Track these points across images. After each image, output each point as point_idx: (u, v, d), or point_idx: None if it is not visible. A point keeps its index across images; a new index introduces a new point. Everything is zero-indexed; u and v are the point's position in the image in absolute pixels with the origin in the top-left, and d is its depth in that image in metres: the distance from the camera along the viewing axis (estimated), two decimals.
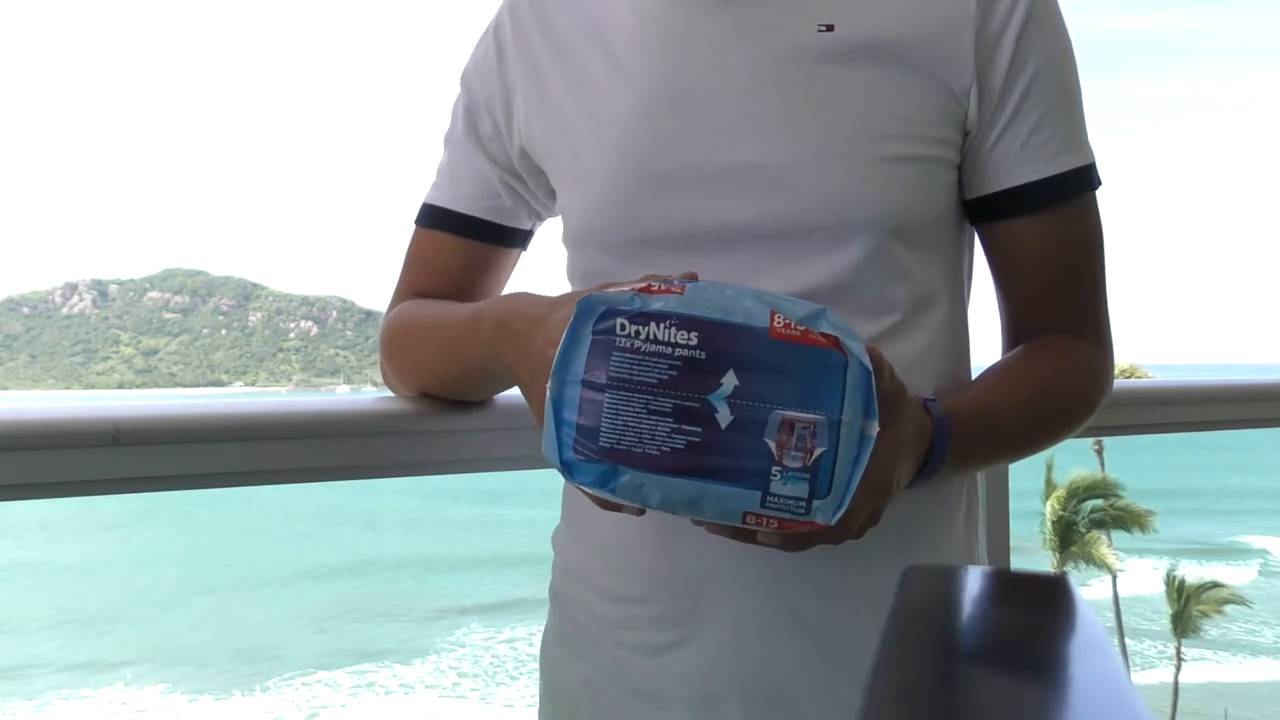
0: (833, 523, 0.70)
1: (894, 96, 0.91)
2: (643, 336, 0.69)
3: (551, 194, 1.05)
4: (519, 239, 1.11)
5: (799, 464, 0.69)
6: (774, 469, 0.69)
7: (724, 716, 0.93)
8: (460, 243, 1.09)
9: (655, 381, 0.69)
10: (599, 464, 0.70)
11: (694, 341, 0.69)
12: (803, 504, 0.69)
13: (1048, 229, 0.97)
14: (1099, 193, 0.99)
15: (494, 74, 1.05)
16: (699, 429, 0.69)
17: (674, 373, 0.69)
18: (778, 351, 0.69)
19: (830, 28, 0.92)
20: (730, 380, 0.69)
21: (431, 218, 1.10)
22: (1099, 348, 1.00)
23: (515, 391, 1.06)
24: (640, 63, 0.96)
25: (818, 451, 0.69)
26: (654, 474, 0.69)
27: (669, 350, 0.69)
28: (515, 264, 1.14)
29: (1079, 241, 0.99)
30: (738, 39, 0.93)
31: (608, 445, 0.69)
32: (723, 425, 0.69)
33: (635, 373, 0.69)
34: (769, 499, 0.69)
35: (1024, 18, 0.92)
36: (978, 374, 1.00)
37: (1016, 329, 1.01)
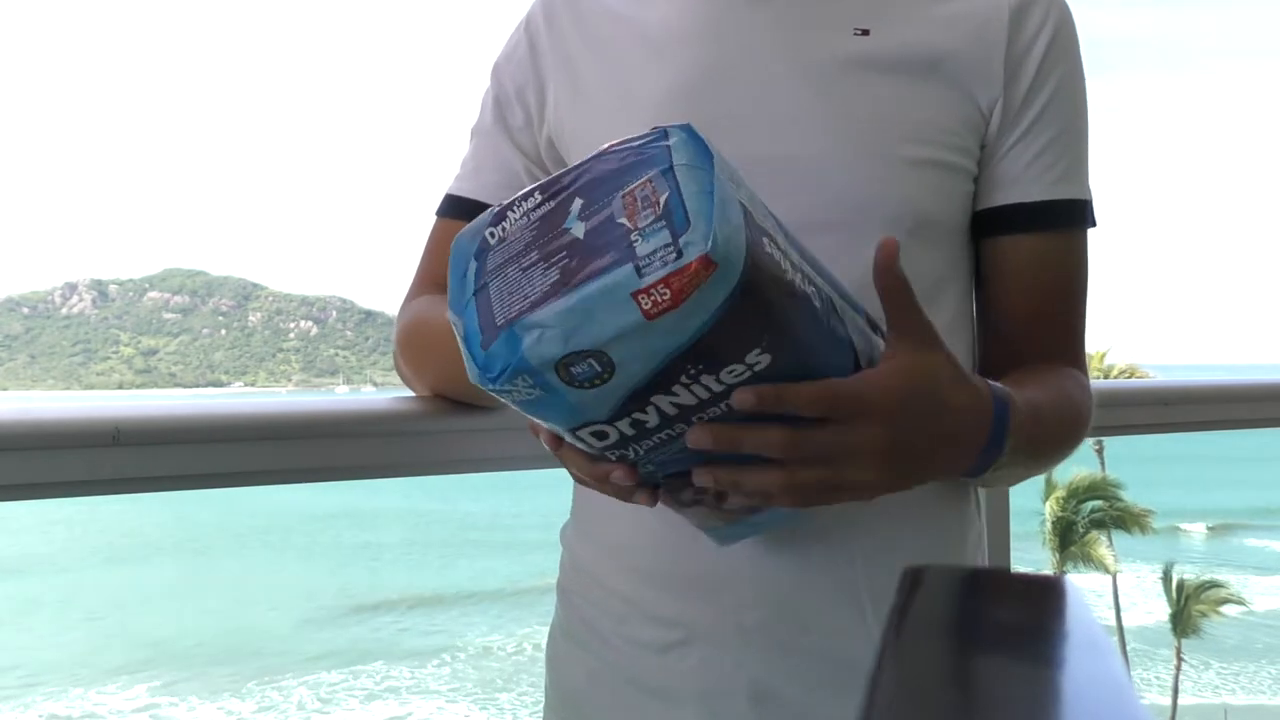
0: (709, 251, 0.66)
1: (923, 103, 0.92)
2: (503, 226, 0.73)
3: None
4: None
5: (651, 218, 0.68)
6: (632, 235, 0.68)
7: (733, 714, 0.93)
8: None
9: (521, 248, 0.71)
10: (500, 337, 0.69)
11: (538, 199, 0.72)
12: (672, 249, 0.67)
13: (1041, 250, 0.97)
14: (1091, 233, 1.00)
15: (526, 65, 1.06)
16: (564, 253, 0.69)
17: (534, 232, 0.71)
18: (610, 160, 0.71)
19: (866, 32, 0.93)
20: (576, 204, 0.70)
21: (453, 207, 1.10)
22: (1086, 379, 1.00)
23: None
24: (676, 49, 0.97)
25: (662, 197, 0.68)
26: (542, 310, 0.68)
27: (526, 219, 0.72)
28: None
29: (1069, 271, 0.99)
30: (774, 34, 0.95)
31: (501, 320, 0.70)
32: (581, 236, 0.69)
33: (505, 255, 0.72)
34: (641, 265, 0.67)
35: (1050, 38, 0.94)
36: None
37: (999, 354, 0.99)
